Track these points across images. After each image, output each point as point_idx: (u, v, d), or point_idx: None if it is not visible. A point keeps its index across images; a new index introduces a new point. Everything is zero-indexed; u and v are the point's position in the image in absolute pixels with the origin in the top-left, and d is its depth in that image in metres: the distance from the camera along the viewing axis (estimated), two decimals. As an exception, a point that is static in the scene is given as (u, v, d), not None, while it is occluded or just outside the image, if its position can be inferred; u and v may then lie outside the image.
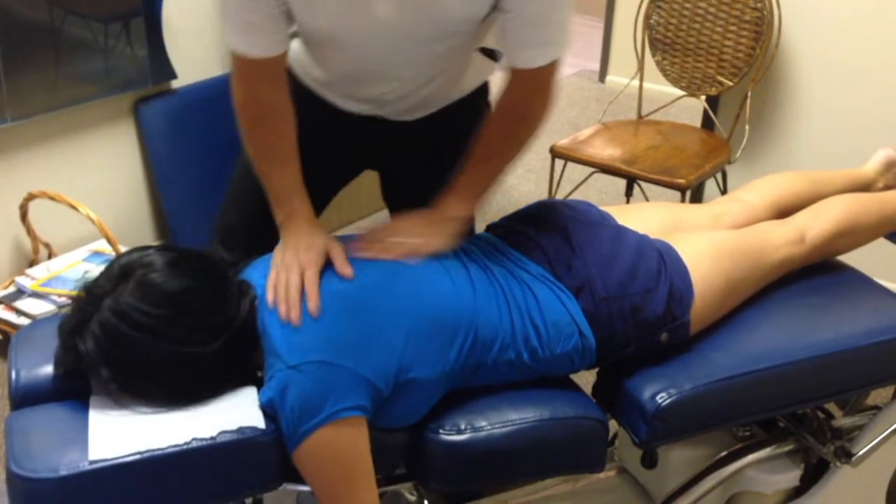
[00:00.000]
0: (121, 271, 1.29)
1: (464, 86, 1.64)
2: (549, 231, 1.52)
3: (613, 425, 1.55)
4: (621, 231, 1.56)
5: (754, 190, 1.79)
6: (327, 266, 1.38)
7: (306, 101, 1.53)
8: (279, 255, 1.39)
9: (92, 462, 1.17)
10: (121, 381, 1.26)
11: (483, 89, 1.71)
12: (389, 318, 1.30)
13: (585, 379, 1.55)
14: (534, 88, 1.47)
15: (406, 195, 1.73)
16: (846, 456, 1.65)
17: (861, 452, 1.65)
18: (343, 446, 1.24)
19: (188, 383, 1.27)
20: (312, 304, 1.29)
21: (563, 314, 1.42)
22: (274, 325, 1.28)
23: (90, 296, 1.28)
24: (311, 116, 1.52)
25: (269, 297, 1.32)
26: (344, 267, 1.36)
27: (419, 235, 1.45)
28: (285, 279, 1.33)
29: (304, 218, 1.46)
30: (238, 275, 1.40)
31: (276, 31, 1.39)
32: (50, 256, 2.62)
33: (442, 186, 1.65)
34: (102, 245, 2.62)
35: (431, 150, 1.66)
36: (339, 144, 1.67)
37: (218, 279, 1.33)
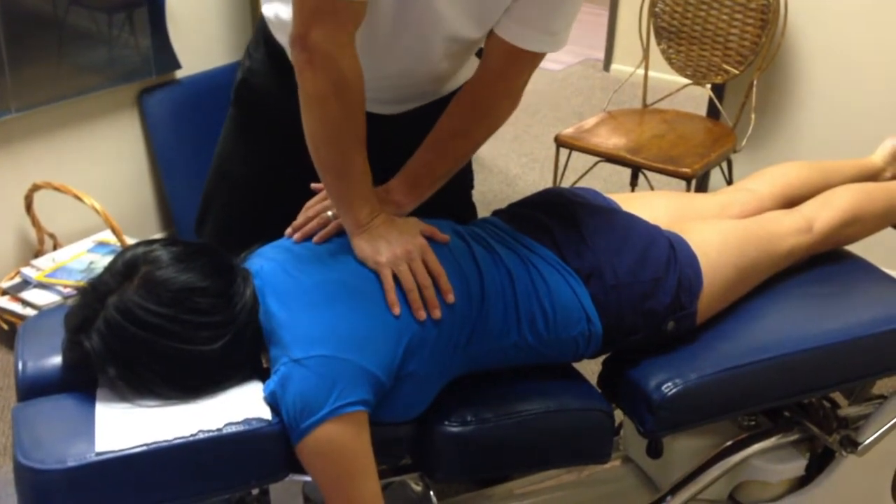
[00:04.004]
0: (125, 268, 1.27)
1: (452, 83, 1.61)
2: (558, 217, 1.52)
3: (619, 415, 1.55)
4: (632, 219, 1.55)
5: (762, 179, 1.78)
6: (324, 253, 1.37)
7: (287, 71, 1.40)
8: (387, 252, 1.32)
9: (99, 453, 1.17)
10: (127, 379, 1.25)
11: None
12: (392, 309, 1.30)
13: (591, 369, 1.55)
14: (506, 77, 1.44)
15: None
16: (852, 445, 1.65)
17: (867, 442, 1.65)
18: (345, 441, 1.23)
19: (194, 379, 1.27)
20: (451, 296, 1.32)
21: (571, 299, 1.42)
22: (277, 318, 1.28)
23: (95, 293, 1.27)
24: (288, 86, 1.38)
25: (414, 306, 1.29)
26: (443, 236, 1.40)
27: None
28: (420, 270, 1.31)
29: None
30: (242, 263, 1.38)
31: None
32: (55, 247, 2.62)
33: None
34: (107, 235, 2.62)
35: (413, 148, 1.63)
36: None
37: (224, 274, 1.31)
